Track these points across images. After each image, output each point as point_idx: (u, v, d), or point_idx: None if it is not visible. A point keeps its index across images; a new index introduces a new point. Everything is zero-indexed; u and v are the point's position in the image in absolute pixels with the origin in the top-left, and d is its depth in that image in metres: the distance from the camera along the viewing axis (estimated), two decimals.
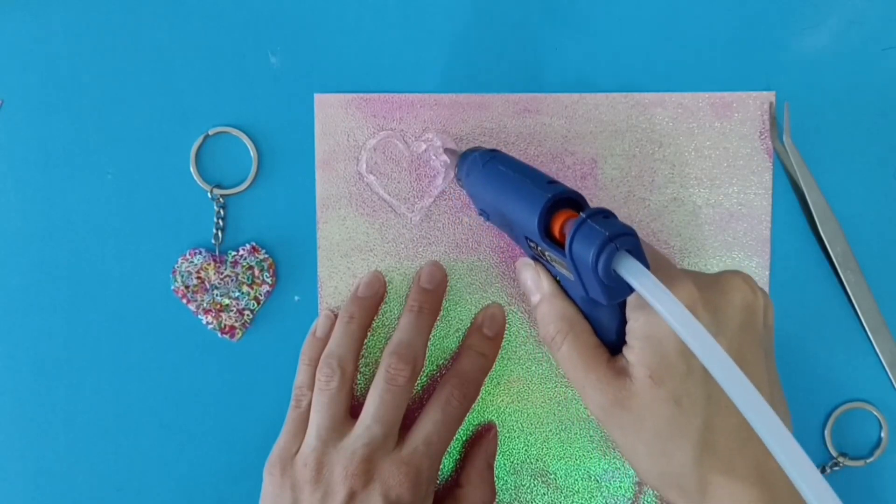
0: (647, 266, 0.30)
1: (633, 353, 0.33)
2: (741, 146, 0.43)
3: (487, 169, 0.37)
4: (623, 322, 0.34)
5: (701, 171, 0.43)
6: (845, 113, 0.43)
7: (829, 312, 0.44)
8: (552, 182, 0.34)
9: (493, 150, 0.39)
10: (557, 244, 0.33)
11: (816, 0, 0.43)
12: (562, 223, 0.32)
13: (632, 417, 0.33)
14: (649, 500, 0.44)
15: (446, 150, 0.42)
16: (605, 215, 0.31)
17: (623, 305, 0.34)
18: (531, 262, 0.37)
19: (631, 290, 0.30)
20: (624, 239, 0.30)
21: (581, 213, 0.31)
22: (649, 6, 0.43)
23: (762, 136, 0.43)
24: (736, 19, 0.43)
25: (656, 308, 0.29)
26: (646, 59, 0.43)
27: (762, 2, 0.43)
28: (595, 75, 0.43)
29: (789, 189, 0.43)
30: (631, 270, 0.30)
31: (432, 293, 0.43)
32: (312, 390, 0.41)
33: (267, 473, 0.40)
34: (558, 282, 0.36)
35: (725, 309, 0.33)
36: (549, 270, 0.36)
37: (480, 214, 0.39)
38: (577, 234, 0.31)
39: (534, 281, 0.37)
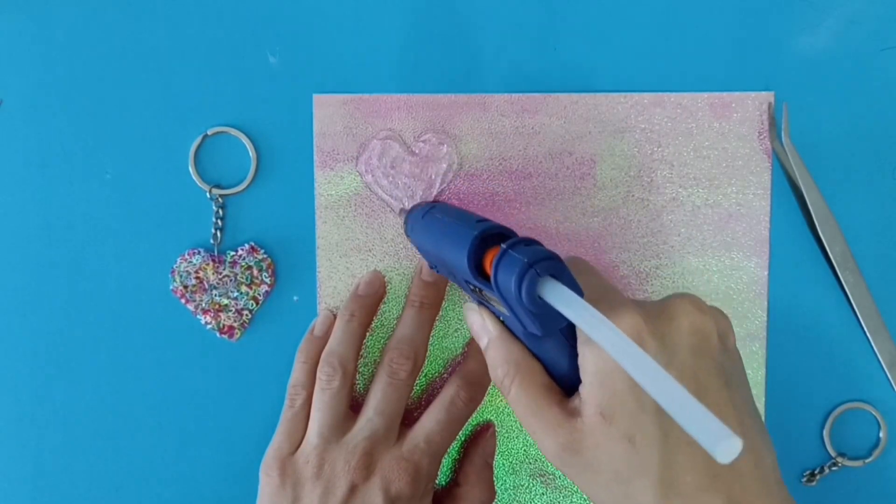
0: (578, 290, 0.29)
1: (584, 389, 0.31)
2: (740, 146, 0.43)
3: (426, 220, 0.37)
4: (574, 359, 0.32)
5: (700, 171, 0.43)
6: (844, 113, 0.43)
7: (828, 313, 0.44)
8: (481, 220, 0.34)
9: (434, 202, 0.39)
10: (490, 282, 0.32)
11: (816, 0, 0.43)
12: (491, 259, 0.32)
13: (586, 461, 0.31)
14: None
15: (401, 212, 0.42)
16: (528, 243, 0.31)
17: (573, 341, 0.32)
18: (474, 305, 0.36)
19: (564, 318, 0.29)
20: (545, 264, 0.30)
21: (503, 245, 0.31)
22: (649, 6, 0.43)
23: (761, 137, 0.43)
24: (735, 19, 0.43)
25: (580, 326, 0.27)
26: (645, 59, 0.43)
27: (761, 2, 0.43)
28: (594, 75, 0.43)
29: (788, 189, 0.43)
30: (556, 294, 0.29)
31: (433, 286, 0.43)
32: (308, 389, 0.41)
33: (263, 474, 0.40)
34: (504, 324, 0.35)
35: (673, 336, 0.31)
36: (493, 313, 0.35)
37: (432, 268, 0.39)
38: (500, 264, 0.30)
39: (478, 325, 0.35)
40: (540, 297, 0.30)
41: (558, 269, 0.30)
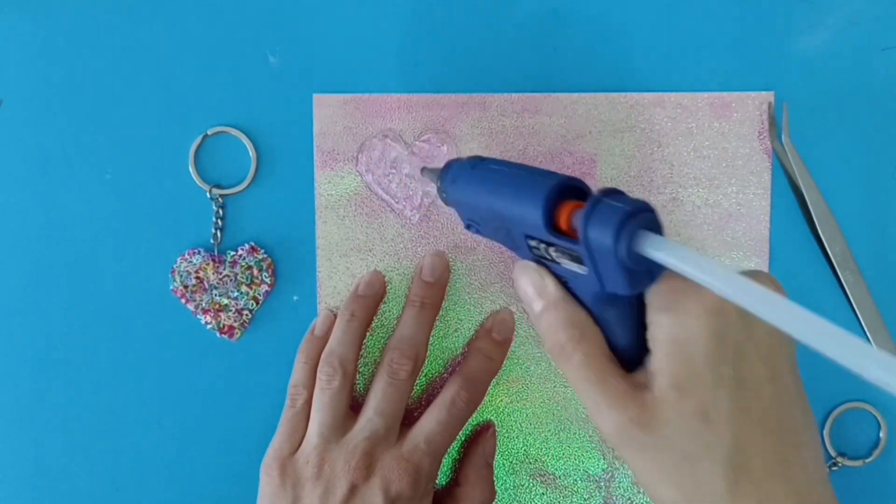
0: None
1: (656, 361, 0.29)
2: (740, 146, 0.43)
3: (477, 170, 0.35)
4: (637, 330, 0.30)
5: (700, 171, 0.43)
6: (844, 113, 0.43)
7: (828, 312, 0.43)
8: (551, 173, 0.32)
9: (477, 156, 0.37)
10: (565, 237, 0.30)
11: (816, 0, 0.43)
12: (569, 212, 0.30)
13: (653, 437, 0.28)
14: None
15: (423, 170, 0.40)
16: (618, 193, 0.29)
17: (638, 312, 0.30)
18: (532, 264, 0.33)
19: (652, 279, 0.27)
20: (644, 216, 0.27)
21: (594, 193, 0.28)
22: (649, 6, 0.43)
23: (761, 137, 0.43)
24: (735, 19, 0.43)
25: (697, 279, 0.25)
26: (645, 59, 0.43)
27: (761, 2, 0.43)
28: (594, 75, 0.43)
29: (788, 189, 0.43)
30: (659, 246, 0.26)
31: (434, 286, 0.43)
32: (308, 389, 0.41)
33: (264, 474, 0.40)
34: (565, 285, 0.33)
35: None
36: (553, 272, 0.33)
37: (468, 227, 0.36)
38: (593, 215, 0.28)
39: (537, 285, 0.33)
40: (636, 252, 0.27)
41: (654, 222, 0.28)
